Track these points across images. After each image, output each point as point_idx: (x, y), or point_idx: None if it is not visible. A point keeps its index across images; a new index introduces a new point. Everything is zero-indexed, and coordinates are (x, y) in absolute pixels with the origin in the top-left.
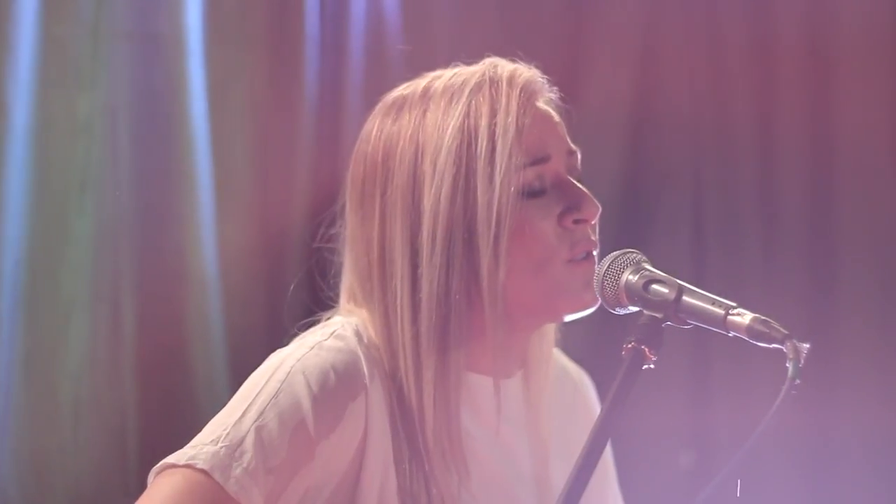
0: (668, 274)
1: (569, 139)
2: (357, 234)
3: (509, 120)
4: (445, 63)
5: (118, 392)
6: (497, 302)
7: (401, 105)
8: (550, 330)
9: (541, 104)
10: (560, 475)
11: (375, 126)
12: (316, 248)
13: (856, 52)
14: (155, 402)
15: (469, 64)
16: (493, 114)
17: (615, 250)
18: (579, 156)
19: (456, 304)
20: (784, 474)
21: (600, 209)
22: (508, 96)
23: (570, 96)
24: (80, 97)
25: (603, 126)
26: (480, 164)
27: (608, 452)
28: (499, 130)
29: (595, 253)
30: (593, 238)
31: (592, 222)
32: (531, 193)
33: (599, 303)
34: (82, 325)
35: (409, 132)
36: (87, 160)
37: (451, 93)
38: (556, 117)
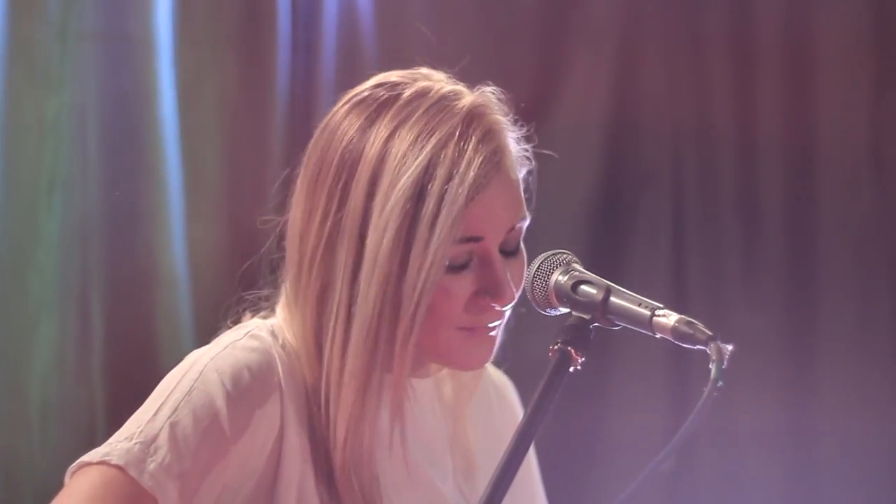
0: (647, 280)
1: (518, 210)
2: (298, 221)
3: (461, 190)
4: (420, 64)
5: (87, 392)
6: (406, 358)
7: (377, 112)
8: None
9: (504, 168)
10: (485, 480)
11: (346, 121)
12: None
13: (835, 55)
14: (124, 403)
15: (452, 66)
16: (448, 178)
17: (592, 255)
18: (525, 224)
19: (380, 347)
20: (767, 474)
21: (515, 298)
22: (470, 162)
23: (548, 97)
24: (48, 97)
25: (581, 127)
26: (422, 227)
27: (531, 456)
28: (448, 198)
29: (494, 325)
30: (498, 318)
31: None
32: (454, 268)
33: (489, 362)
34: (50, 325)
35: (371, 155)
36: (56, 160)
37: (420, 130)
38: (514, 184)
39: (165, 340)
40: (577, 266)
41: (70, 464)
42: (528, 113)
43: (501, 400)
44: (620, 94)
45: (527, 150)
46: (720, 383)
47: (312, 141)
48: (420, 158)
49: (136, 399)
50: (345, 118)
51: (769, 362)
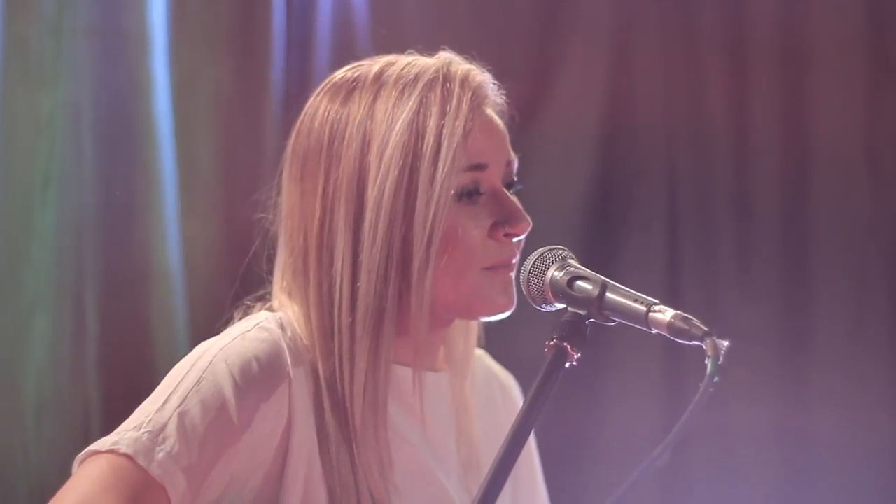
0: (641, 276)
1: (510, 147)
2: (296, 208)
3: (457, 123)
4: None
5: (81, 389)
6: (424, 299)
7: (351, 87)
8: (474, 329)
9: (488, 110)
10: None
11: (323, 104)
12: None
13: (830, 53)
14: (118, 399)
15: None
16: (442, 114)
17: (587, 251)
18: (516, 164)
19: (392, 296)
20: (761, 470)
21: (531, 225)
22: (460, 99)
23: (543, 94)
24: (43, 94)
25: (576, 124)
26: (424, 164)
27: (535, 454)
28: (446, 132)
29: (514, 262)
30: (516, 253)
31: (522, 237)
32: (466, 196)
33: (514, 307)
34: (45, 321)
35: (358, 118)
36: (50, 157)
37: (404, 85)
38: (501, 125)
39: (160, 336)
40: (573, 262)
41: (65, 460)
42: (523, 110)
43: (506, 397)
44: (615, 90)
45: (503, 96)
46: (716, 379)
47: (293, 133)
48: (410, 104)
49: (130, 395)
50: (322, 102)
51: (763, 358)
